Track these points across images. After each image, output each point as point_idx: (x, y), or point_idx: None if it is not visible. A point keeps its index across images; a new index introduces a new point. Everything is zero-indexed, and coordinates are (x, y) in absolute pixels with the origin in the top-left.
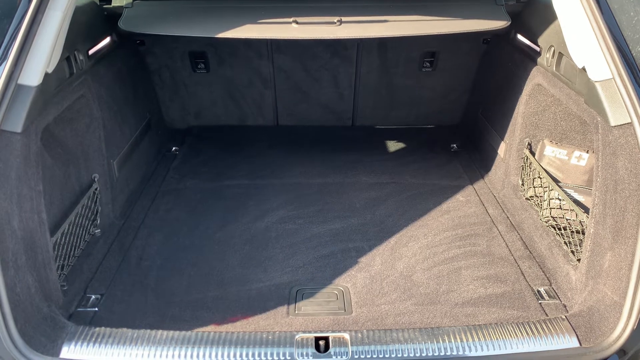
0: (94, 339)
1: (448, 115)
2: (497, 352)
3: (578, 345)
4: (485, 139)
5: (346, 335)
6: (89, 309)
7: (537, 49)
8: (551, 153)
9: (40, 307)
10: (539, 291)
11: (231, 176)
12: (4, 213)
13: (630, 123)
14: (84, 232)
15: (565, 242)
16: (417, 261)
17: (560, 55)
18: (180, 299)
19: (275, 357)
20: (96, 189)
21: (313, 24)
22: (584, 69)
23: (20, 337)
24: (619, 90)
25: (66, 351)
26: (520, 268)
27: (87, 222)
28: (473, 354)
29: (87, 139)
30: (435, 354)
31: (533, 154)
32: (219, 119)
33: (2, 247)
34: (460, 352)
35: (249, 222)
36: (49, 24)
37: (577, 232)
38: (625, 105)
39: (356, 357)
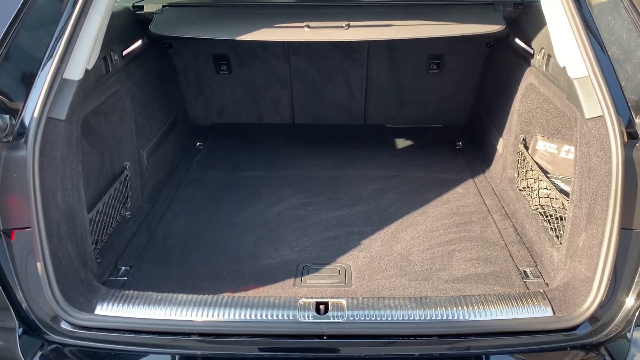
0: (123, 300)
1: (454, 115)
2: (478, 318)
3: (552, 314)
4: (487, 137)
5: (343, 301)
6: (119, 278)
7: (531, 51)
8: (543, 147)
9: (78, 272)
10: (524, 271)
11: (249, 168)
12: (50, 188)
13: (601, 116)
14: (115, 213)
15: (551, 228)
16: (415, 244)
17: (549, 56)
18: (200, 271)
19: (280, 318)
20: (127, 175)
21: (324, 28)
22: (565, 67)
23: (61, 295)
24: (593, 87)
25: (100, 309)
26: (509, 251)
27: (118, 204)
28: (455, 318)
29: (120, 131)
30: (422, 319)
31: (527, 148)
32: (239, 117)
33: (48, 218)
34: (445, 318)
35: (263, 208)
36: (90, 26)
37: (562, 218)
38: (598, 100)
39: (351, 319)
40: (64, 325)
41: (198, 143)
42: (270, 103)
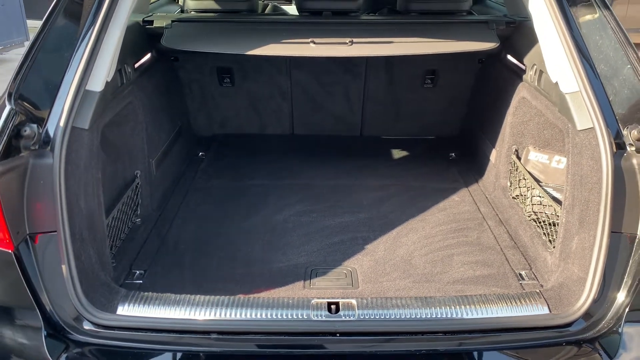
0: (143, 301)
1: (447, 127)
2: (480, 316)
3: (548, 312)
4: (479, 148)
5: (354, 301)
6: (135, 282)
7: (523, 67)
8: (534, 158)
9: (98, 275)
10: (520, 274)
11: (252, 177)
12: (74, 195)
13: (592, 128)
14: (127, 219)
15: (544, 233)
16: (416, 248)
17: (541, 72)
18: (212, 275)
19: (294, 317)
20: (138, 184)
21: (328, 44)
22: (557, 83)
23: (84, 296)
24: (584, 101)
25: (121, 309)
26: (505, 255)
27: (130, 211)
28: (459, 316)
29: (132, 140)
30: (427, 317)
31: (519, 159)
32: (241, 127)
33: (72, 222)
34: (449, 316)
35: (269, 215)
36: (110, 40)
37: (554, 224)
38: (589, 113)
39: (362, 317)
40: (87, 326)
41: (200, 153)
42: (272, 114)
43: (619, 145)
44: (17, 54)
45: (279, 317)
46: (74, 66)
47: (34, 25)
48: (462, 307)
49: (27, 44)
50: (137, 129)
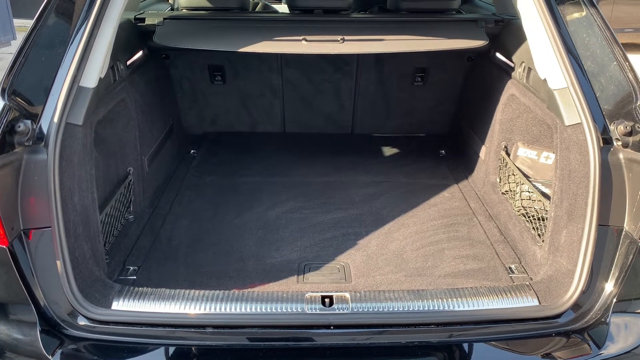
0: (138, 296)
1: (437, 124)
2: (471, 308)
3: (538, 304)
4: (469, 145)
5: (347, 295)
6: (128, 277)
7: (512, 64)
8: (523, 154)
9: (92, 270)
10: (510, 267)
11: (244, 174)
12: (68, 190)
13: (580, 123)
14: (120, 216)
15: (533, 228)
16: (407, 243)
17: (529, 69)
18: (206, 270)
19: (288, 310)
20: (131, 180)
21: (320, 42)
22: (545, 80)
23: (79, 292)
24: (572, 97)
25: (116, 304)
26: (495, 250)
27: (123, 208)
28: (451, 309)
29: (125, 137)
30: (420, 309)
31: (508, 155)
32: (232, 125)
33: (66, 218)
34: (441, 308)
35: (262, 211)
36: (103, 36)
37: (543, 218)
38: (577, 109)
39: (355, 310)
40: (81, 321)
41: (192, 151)
42: (263, 112)
43: (606, 140)
44: (3, 53)
45: (274, 310)
46: (67, 62)
47: (21, 24)
48: (454, 299)
49: (15, 42)
50: (130, 125)
